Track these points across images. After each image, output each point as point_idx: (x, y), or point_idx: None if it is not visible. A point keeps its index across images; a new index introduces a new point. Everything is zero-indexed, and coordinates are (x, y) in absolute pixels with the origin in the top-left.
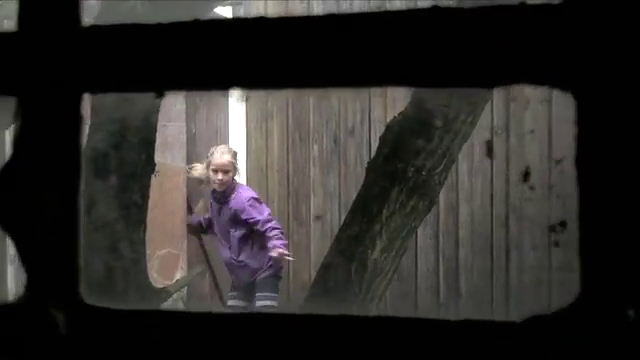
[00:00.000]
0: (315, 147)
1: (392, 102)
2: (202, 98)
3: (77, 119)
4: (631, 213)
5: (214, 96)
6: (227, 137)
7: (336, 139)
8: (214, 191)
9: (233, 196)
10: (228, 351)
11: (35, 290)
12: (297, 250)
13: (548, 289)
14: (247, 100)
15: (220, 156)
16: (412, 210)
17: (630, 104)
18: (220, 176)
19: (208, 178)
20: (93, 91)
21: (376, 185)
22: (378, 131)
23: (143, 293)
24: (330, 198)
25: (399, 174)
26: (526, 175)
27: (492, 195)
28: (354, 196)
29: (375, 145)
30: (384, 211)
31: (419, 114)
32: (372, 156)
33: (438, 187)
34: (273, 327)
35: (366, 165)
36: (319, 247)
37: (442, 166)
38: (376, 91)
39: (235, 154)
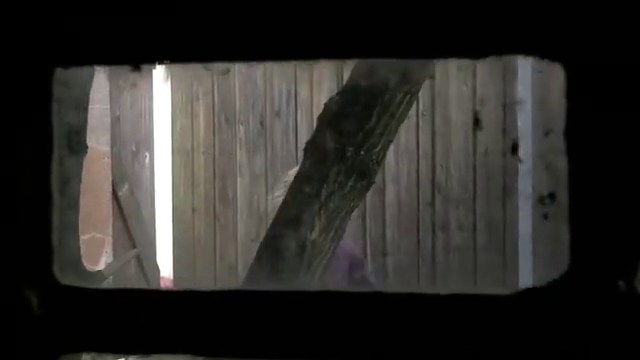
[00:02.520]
0: (241, 129)
1: (318, 83)
2: (126, 80)
3: (48, 95)
4: (621, 185)
5: (138, 78)
6: (152, 119)
7: (262, 121)
8: None
9: None
10: (202, 328)
11: (8, 271)
12: (224, 232)
13: (474, 269)
14: (171, 80)
15: None
16: (351, 190)
17: (621, 74)
18: None
19: None
20: (65, 65)
21: (314, 165)
22: (304, 112)
23: (80, 275)
24: (257, 180)
25: (337, 154)
26: (514, 148)
27: (418, 176)
28: (281, 178)
29: (301, 126)
30: (323, 191)
31: (357, 94)
32: (299, 137)
33: (376, 167)
34: (258, 304)
35: (304, 145)
36: (246, 229)
37: (380, 146)
38: (302, 72)
39: None
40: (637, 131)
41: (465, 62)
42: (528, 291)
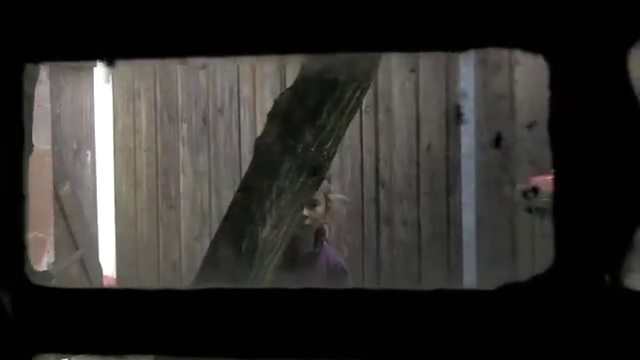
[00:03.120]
0: (184, 126)
1: (261, 80)
2: (67, 78)
3: (19, 91)
4: (606, 177)
5: (79, 76)
6: (93, 118)
7: (205, 118)
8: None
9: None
10: (176, 326)
11: None
12: (167, 230)
13: (418, 264)
14: (113, 78)
15: None
16: (302, 186)
17: (603, 66)
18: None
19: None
20: (36, 61)
21: (265, 162)
22: (247, 110)
23: (31, 275)
24: (200, 177)
25: (288, 150)
26: (497, 140)
27: (362, 171)
28: (224, 175)
29: (244, 124)
30: (274, 188)
31: (307, 90)
32: (242, 134)
33: (327, 163)
34: (237, 302)
35: (247, 142)
36: (189, 227)
37: (331, 142)
38: (245, 69)
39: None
40: (620, 123)
41: (407, 58)
42: (512, 286)
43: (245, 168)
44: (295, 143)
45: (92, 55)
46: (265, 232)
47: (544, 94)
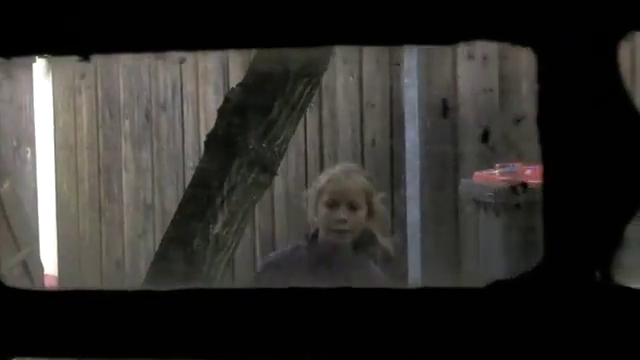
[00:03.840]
0: (126, 123)
1: (204, 75)
2: (5, 74)
3: None
4: (595, 173)
5: (18, 72)
6: (33, 114)
7: (148, 114)
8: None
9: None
10: (156, 328)
11: None
12: (110, 227)
13: None
14: (52, 73)
15: (344, 179)
16: (253, 183)
17: (594, 58)
18: (344, 213)
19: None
20: (8, 56)
21: (216, 158)
22: (191, 105)
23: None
24: (143, 174)
25: (239, 146)
26: (485, 135)
27: (306, 168)
28: (168, 171)
29: (188, 119)
30: (225, 184)
31: (257, 85)
32: (186, 130)
33: (279, 159)
34: (218, 303)
35: (204, 138)
36: (132, 224)
37: (282, 138)
38: (187, 65)
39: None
40: (610, 117)
41: (351, 52)
42: (501, 283)
43: (188, 164)
44: (246, 139)
45: (63, 50)
46: (217, 229)
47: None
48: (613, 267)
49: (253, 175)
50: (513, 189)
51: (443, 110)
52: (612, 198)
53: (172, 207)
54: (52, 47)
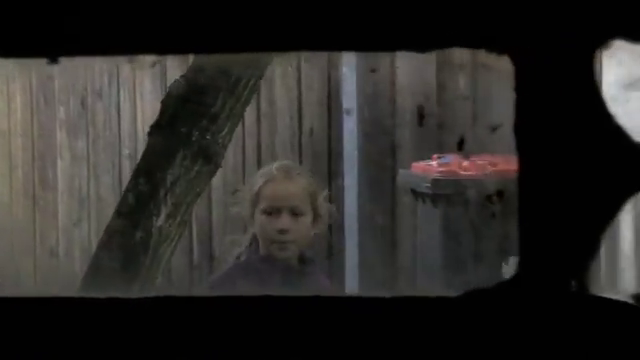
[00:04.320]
0: (61, 110)
1: (141, 63)
2: None
3: None
4: (572, 182)
5: None
6: None
7: (83, 101)
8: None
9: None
10: (134, 336)
11: None
12: (44, 215)
13: None
14: None
15: (284, 180)
16: (197, 175)
17: (571, 67)
18: (286, 222)
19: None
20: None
21: (159, 150)
22: (127, 93)
23: None
24: (78, 162)
25: (183, 138)
26: (460, 143)
27: (244, 157)
28: (103, 159)
29: (124, 107)
30: (168, 176)
31: (201, 77)
32: (122, 118)
33: (222, 151)
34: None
35: (148, 129)
36: (67, 212)
37: (226, 129)
38: None
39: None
40: (587, 126)
41: None
42: (476, 292)
43: (125, 152)
44: (189, 131)
45: (35, 51)
46: (160, 221)
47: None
48: (588, 277)
49: (197, 167)
50: (488, 198)
51: (419, 118)
52: (588, 207)
53: (108, 195)
54: (17, 49)
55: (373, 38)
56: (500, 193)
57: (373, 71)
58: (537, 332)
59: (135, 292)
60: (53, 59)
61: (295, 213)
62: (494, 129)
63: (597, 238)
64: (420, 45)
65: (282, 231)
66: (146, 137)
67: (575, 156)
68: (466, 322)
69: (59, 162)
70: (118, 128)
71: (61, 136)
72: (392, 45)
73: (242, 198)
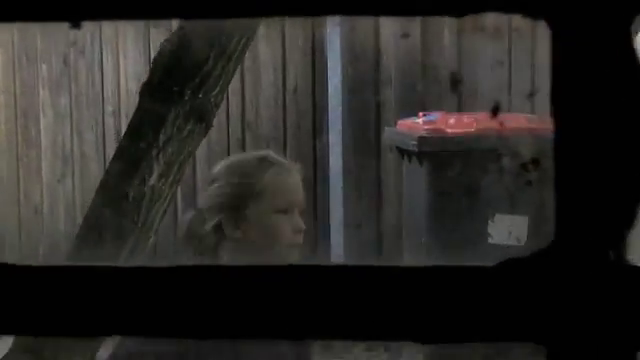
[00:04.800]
0: (44, 67)
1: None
2: None
3: None
4: (609, 150)
5: None
6: None
7: (66, 59)
8: None
9: None
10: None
11: None
12: (27, 171)
13: None
14: None
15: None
16: (189, 134)
17: (608, 32)
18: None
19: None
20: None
21: (151, 109)
22: (110, 51)
23: None
24: (61, 119)
25: (175, 97)
26: (495, 109)
27: (228, 114)
28: (87, 117)
29: (107, 65)
30: (161, 136)
31: (193, 35)
32: (105, 75)
33: (215, 110)
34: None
35: (139, 89)
36: (51, 169)
37: (218, 88)
38: None
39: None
40: (625, 93)
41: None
42: (512, 261)
43: (108, 110)
44: (181, 90)
45: (57, 15)
46: (152, 180)
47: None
48: (626, 246)
49: (189, 126)
50: (523, 166)
51: (453, 83)
52: (626, 177)
53: (91, 152)
54: (40, 13)
55: (408, 2)
56: (535, 161)
57: (405, 36)
58: (573, 302)
59: (128, 252)
60: (75, 23)
61: (300, 211)
62: (530, 95)
63: (635, 207)
64: (455, 9)
65: (300, 231)
66: (134, 96)
67: (612, 123)
68: (502, 292)
69: (42, 119)
70: (101, 85)
71: (44, 94)
72: (427, 9)
73: (222, 192)
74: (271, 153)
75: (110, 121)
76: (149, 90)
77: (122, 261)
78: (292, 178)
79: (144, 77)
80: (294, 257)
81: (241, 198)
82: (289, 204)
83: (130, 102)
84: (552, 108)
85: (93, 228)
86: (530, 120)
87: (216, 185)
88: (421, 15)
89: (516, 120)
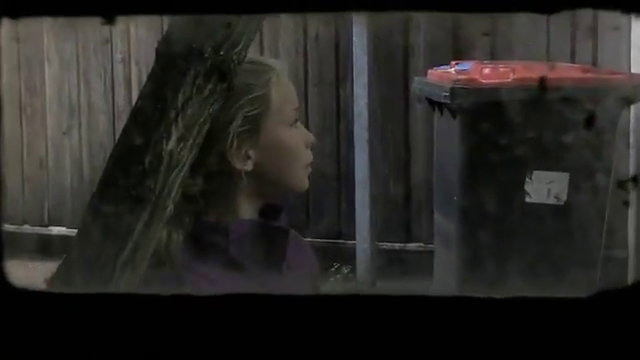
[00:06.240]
0: None
1: None
2: None
3: None
4: None
5: None
6: None
7: None
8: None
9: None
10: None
11: None
12: (31, 123)
13: None
14: None
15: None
16: (210, 94)
17: None
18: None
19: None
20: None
21: (169, 68)
22: None
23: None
24: (67, 66)
25: (195, 55)
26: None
27: None
28: (93, 63)
29: None
30: (179, 96)
31: None
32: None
33: (237, 68)
34: None
35: (156, 46)
36: (56, 120)
37: (241, 44)
38: None
39: None
40: None
41: None
42: (606, 293)
43: (117, 57)
44: (202, 46)
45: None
46: (171, 145)
47: None
48: None
49: (210, 86)
50: (621, 184)
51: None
52: None
53: (99, 102)
54: (73, 8)
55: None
56: (635, 179)
57: (486, 35)
58: None
59: (143, 224)
60: (109, 20)
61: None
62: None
63: None
64: (548, 7)
65: (311, 145)
66: (145, 42)
67: None
68: (597, 323)
69: (47, 67)
70: (109, 31)
71: (48, 39)
72: (517, 6)
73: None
74: (255, 55)
75: (119, 69)
76: (167, 48)
77: (137, 234)
78: (291, 85)
79: (154, 21)
80: (307, 181)
81: (250, 113)
82: (296, 114)
83: (141, 49)
84: None
85: (106, 198)
86: (584, 70)
87: None
88: (512, 12)
89: (566, 71)
